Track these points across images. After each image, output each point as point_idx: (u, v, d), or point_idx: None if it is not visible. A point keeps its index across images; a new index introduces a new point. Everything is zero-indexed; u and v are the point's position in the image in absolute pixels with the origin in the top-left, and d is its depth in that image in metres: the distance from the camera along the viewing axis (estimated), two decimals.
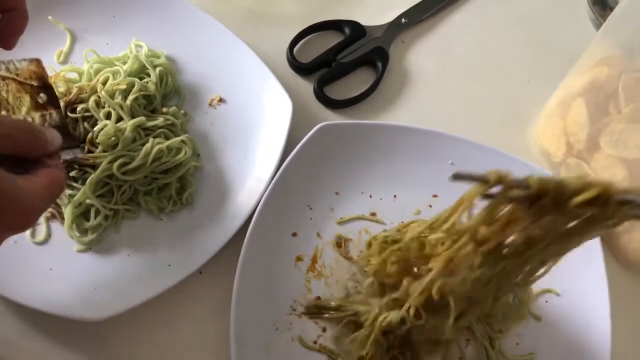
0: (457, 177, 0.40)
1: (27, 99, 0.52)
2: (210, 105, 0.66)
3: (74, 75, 0.64)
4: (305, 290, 0.58)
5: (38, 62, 0.55)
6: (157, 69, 0.64)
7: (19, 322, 0.55)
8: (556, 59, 0.74)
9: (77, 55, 0.67)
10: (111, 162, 0.57)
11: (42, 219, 0.58)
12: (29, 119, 0.52)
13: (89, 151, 0.58)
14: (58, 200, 0.57)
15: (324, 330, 0.57)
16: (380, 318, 0.50)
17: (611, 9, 0.74)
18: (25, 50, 0.65)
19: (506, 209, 0.41)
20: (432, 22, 0.76)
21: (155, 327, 0.56)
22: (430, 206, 0.63)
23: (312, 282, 0.58)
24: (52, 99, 0.54)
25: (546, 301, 0.59)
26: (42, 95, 0.53)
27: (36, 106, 0.53)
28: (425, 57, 0.73)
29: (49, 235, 0.58)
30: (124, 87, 0.60)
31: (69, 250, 0.57)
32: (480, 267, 0.42)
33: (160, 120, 0.61)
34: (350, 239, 0.61)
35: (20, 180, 0.42)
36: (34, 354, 0.55)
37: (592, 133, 0.60)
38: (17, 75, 0.53)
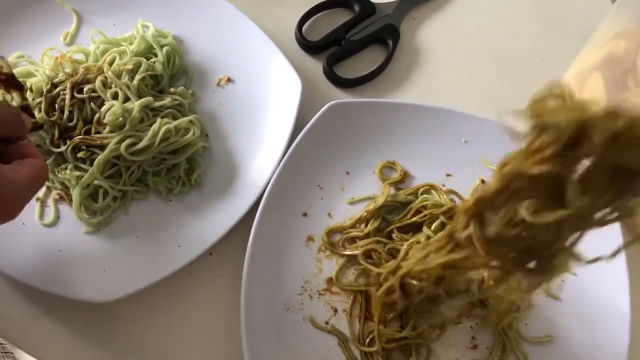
0: None
1: None
2: (218, 85, 0.65)
3: (80, 57, 0.63)
4: (316, 270, 0.57)
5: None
6: (165, 49, 0.63)
7: (28, 304, 0.55)
8: (570, 35, 0.72)
9: (83, 37, 0.66)
10: (119, 142, 0.56)
11: (50, 201, 0.58)
12: None
13: (96, 132, 0.57)
14: (66, 182, 0.57)
15: (335, 311, 0.56)
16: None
17: None
18: (32, 31, 0.65)
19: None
20: None
21: (165, 309, 0.56)
22: (444, 185, 0.62)
23: (323, 262, 0.58)
24: (14, 82, 0.53)
25: (562, 281, 0.58)
26: (2, 78, 0.53)
27: None
28: (437, 34, 0.72)
29: (57, 217, 0.58)
30: (130, 67, 0.60)
31: (77, 232, 0.57)
32: None
33: (167, 101, 0.60)
34: None
35: (7, 170, 0.43)
36: (43, 336, 0.54)
37: None
38: None
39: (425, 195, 0.60)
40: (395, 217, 0.59)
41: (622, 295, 0.56)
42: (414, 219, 0.58)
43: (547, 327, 0.56)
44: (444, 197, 0.60)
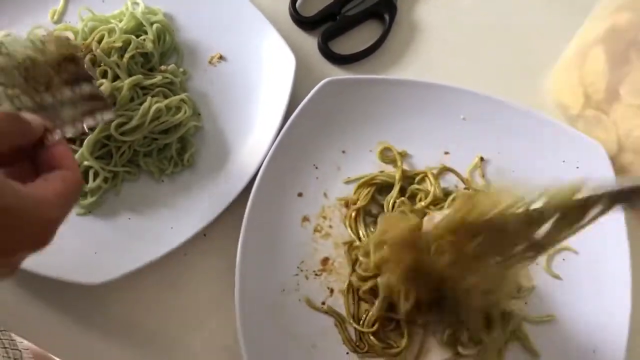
0: None
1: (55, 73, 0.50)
2: (210, 63, 0.63)
3: (69, 35, 0.61)
4: (312, 250, 0.56)
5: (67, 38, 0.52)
6: (155, 26, 0.61)
7: (19, 286, 0.54)
8: (571, 9, 0.69)
9: (71, 14, 0.64)
10: (108, 122, 0.55)
11: None
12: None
13: None
14: None
15: (331, 292, 0.55)
16: None
17: None
18: (19, 9, 0.64)
19: None
20: None
21: (158, 291, 0.55)
22: (442, 164, 0.60)
23: (319, 242, 0.57)
24: (80, 70, 0.51)
25: (563, 259, 0.57)
26: (69, 67, 0.51)
27: (67, 80, 0.50)
28: (435, 8, 0.70)
29: None
30: (120, 45, 0.58)
31: None
32: None
33: (158, 79, 0.59)
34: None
35: (27, 190, 0.36)
36: (34, 319, 0.54)
37: (611, 82, 0.57)
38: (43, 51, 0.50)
39: (417, 186, 0.59)
40: (385, 197, 0.58)
41: (623, 273, 0.55)
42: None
43: (548, 307, 0.55)
44: (437, 188, 0.58)
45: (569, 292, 0.56)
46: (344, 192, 0.59)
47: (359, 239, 0.57)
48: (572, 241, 0.56)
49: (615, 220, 0.56)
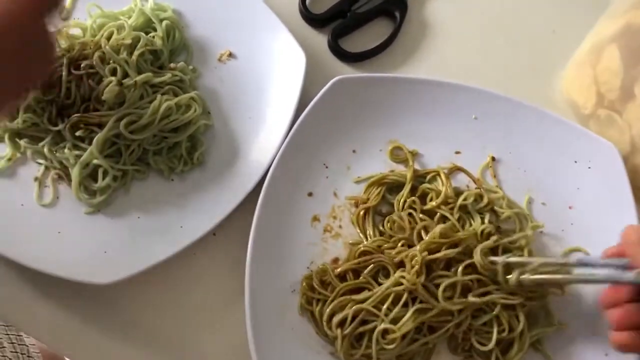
0: None
1: None
2: (219, 60, 0.63)
3: (77, 32, 0.61)
4: (322, 250, 0.56)
5: None
6: (164, 23, 0.61)
7: (28, 286, 0.54)
8: (584, 6, 0.69)
9: (80, 11, 0.64)
10: (118, 120, 0.55)
11: (49, 181, 0.57)
12: None
13: (95, 109, 0.56)
14: (64, 162, 0.55)
15: None
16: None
17: None
18: None
19: None
20: None
21: (167, 291, 0.55)
22: (453, 163, 0.60)
23: (329, 242, 0.56)
24: None
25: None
26: None
27: None
28: (446, 5, 0.69)
29: (56, 197, 0.56)
30: (129, 42, 0.58)
31: (77, 212, 0.56)
32: None
33: (167, 77, 0.58)
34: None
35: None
36: (43, 318, 0.54)
37: (626, 81, 0.56)
38: None
39: (428, 185, 0.58)
40: (396, 197, 0.58)
41: None
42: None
43: (560, 312, 0.55)
44: (449, 188, 0.58)
45: (581, 295, 0.55)
46: (354, 191, 0.59)
47: (367, 238, 0.56)
48: (584, 244, 0.56)
49: (627, 218, 0.55)
